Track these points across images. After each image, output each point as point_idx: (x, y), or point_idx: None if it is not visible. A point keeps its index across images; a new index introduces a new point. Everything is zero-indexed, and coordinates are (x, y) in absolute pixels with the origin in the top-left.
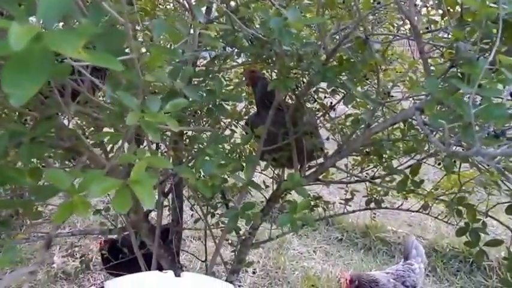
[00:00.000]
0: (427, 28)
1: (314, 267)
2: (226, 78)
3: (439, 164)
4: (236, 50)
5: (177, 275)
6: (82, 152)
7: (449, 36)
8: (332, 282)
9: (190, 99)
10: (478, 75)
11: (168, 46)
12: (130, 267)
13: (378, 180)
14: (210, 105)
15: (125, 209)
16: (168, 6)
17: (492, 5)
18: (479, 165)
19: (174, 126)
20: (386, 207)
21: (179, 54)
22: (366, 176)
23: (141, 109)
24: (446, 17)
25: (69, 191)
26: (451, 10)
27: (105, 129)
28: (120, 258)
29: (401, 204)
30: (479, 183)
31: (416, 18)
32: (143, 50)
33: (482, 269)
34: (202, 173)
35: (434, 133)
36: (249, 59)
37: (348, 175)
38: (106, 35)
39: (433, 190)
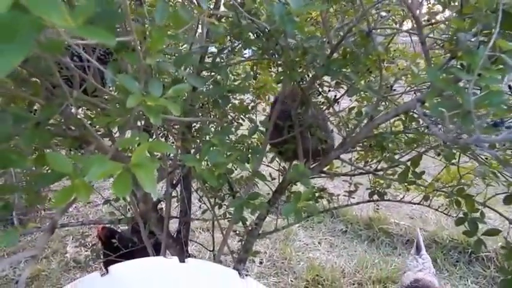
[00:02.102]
0: (429, 21)
1: (319, 258)
2: (234, 73)
3: (439, 154)
4: (242, 43)
5: (182, 260)
6: (90, 141)
7: (450, 28)
8: (336, 272)
9: (198, 91)
10: (477, 64)
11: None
12: (140, 256)
13: (380, 173)
14: (217, 98)
15: (124, 193)
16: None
17: None
18: (478, 157)
19: (175, 110)
20: (388, 200)
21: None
22: (369, 169)
23: (142, 93)
24: (447, 10)
25: (70, 174)
26: (452, 3)
27: None
28: (114, 245)
29: (403, 197)
30: (478, 174)
31: (418, 10)
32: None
33: (480, 259)
34: (209, 163)
35: (435, 124)
36: (256, 53)
37: (353, 168)
38: (105, 14)
39: (433, 182)
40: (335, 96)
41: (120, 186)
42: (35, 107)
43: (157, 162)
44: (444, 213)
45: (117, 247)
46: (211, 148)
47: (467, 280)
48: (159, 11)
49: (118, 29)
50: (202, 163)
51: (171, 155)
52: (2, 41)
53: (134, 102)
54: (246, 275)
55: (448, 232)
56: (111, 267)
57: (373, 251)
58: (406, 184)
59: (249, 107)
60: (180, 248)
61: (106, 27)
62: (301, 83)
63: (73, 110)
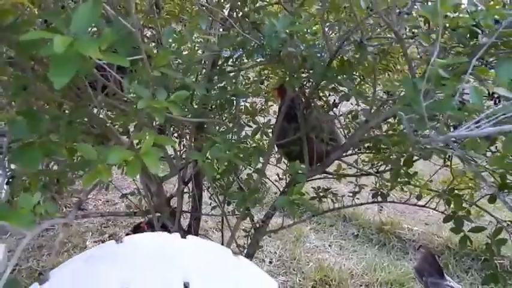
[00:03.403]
0: (413, 33)
1: (328, 260)
2: (245, 78)
3: (420, 155)
4: (246, 50)
5: (183, 237)
6: (110, 137)
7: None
8: (344, 273)
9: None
10: (435, 72)
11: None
12: None
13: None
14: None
15: (135, 174)
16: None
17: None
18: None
19: (175, 111)
20: (393, 201)
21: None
22: (374, 171)
23: (150, 97)
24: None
25: (95, 161)
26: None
27: None
28: None
29: (408, 199)
30: (459, 173)
31: (398, 25)
32: (155, 51)
33: (493, 267)
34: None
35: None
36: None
37: (358, 170)
38: (122, 40)
39: (428, 182)
40: (334, 100)
41: (132, 169)
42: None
43: (161, 150)
44: (441, 212)
45: None
46: (214, 145)
47: (478, 287)
48: (166, 35)
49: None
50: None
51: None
52: (59, 68)
53: (143, 104)
54: (238, 254)
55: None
56: (125, 238)
57: (384, 255)
58: (401, 184)
59: (260, 110)
60: None
61: (122, 50)
62: (305, 87)
63: (96, 111)
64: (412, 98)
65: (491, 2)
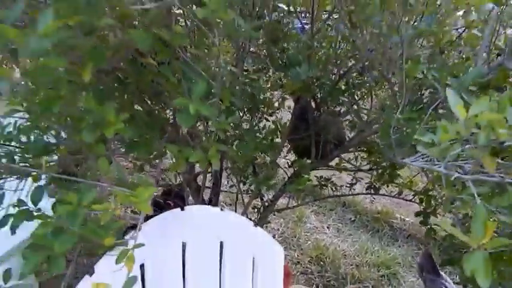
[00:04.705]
0: None
1: (325, 240)
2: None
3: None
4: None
5: (221, 209)
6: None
7: None
8: (338, 253)
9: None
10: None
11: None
12: None
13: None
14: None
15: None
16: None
17: None
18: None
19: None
20: (384, 194)
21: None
22: (367, 167)
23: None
24: None
25: (177, 157)
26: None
27: None
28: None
29: (398, 193)
30: (428, 179)
31: (389, 71)
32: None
33: (449, 252)
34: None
35: None
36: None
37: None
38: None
39: (407, 182)
40: (339, 110)
41: (202, 165)
42: None
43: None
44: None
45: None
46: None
47: (456, 276)
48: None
49: None
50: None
51: None
52: (185, 114)
53: (193, 110)
54: (256, 225)
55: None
56: (186, 207)
57: (375, 240)
58: (387, 182)
59: (277, 104)
60: None
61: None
62: (315, 96)
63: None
64: (385, 132)
65: None
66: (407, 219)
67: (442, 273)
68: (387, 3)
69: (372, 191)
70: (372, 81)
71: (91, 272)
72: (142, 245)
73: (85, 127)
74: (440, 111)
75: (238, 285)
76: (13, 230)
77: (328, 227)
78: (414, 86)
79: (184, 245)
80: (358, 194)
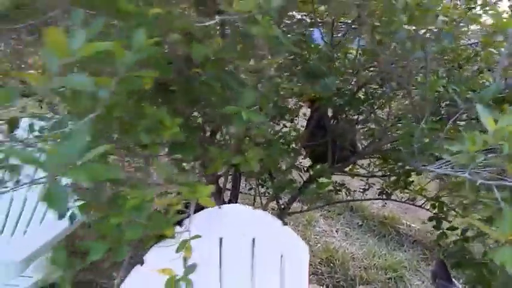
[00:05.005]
0: None
1: (334, 243)
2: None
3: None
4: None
5: (253, 209)
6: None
7: None
8: (347, 256)
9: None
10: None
11: None
12: None
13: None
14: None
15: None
16: None
17: None
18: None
19: (259, 120)
20: (395, 200)
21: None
22: (380, 174)
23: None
24: None
25: (218, 159)
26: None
27: None
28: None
29: (409, 199)
30: (440, 187)
31: (408, 83)
32: None
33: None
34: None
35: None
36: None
37: (368, 172)
38: None
39: (420, 189)
40: (357, 118)
41: (244, 167)
42: None
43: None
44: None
45: None
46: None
47: (460, 280)
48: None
49: None
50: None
51: None
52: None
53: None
54: (285, 224)
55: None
56: (223, 206)
57: (382, 245)
58: (400, 188)
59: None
60: None
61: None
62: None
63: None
64: (407, 141)
65: None
66: (413, 225)
67: (454, 281)
68: (414, 20)
69: (384, 197)
70: (390, 93)
71: (141, 262)
72: (199, 236)
73: (141, 130)
74: (459, 122)
75: (268, 279)
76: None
77: (336, 231)
78: (434, 98)
79: (221, 240)
80: (371, 199)
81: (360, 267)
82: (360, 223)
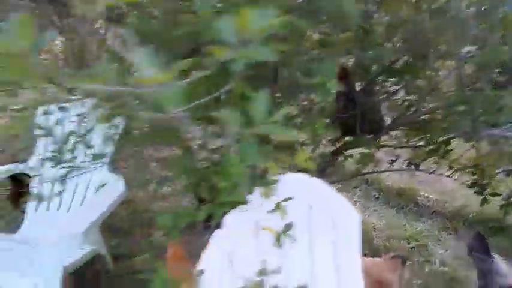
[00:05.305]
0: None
1: None
2: None
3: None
4: None
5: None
6: None
7: None
8: (368, 226)
9: None
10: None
11: None
12: None
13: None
14: None
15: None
16: None
17: None
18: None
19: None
20: (421, 170)
21: None
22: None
23: None
24: None
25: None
26: None
27: None
28: None
29: (434, 171)
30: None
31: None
32: None
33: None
34: None
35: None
36: None
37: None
38: None
39: (457, 159)
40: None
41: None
42: None
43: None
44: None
45: None
46: None
47: None
48: None
49: None
50: None
51: None
52: None
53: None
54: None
55: (474, 209)
56: (285, 175)
57: (401, 216)
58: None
59: None
60: None
61: None
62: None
63: None
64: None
65: None
66: (431, 196)
67: (493, 254)
68: None
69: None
70: (433, 62)
71: (221, 226)
72: (291, 198)
73: None
74: None
75: (323, 244)
76: None
77: (354, 203)
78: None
79: None
80: (398, 170)
81: (383, 237)
82: (377, 196)
